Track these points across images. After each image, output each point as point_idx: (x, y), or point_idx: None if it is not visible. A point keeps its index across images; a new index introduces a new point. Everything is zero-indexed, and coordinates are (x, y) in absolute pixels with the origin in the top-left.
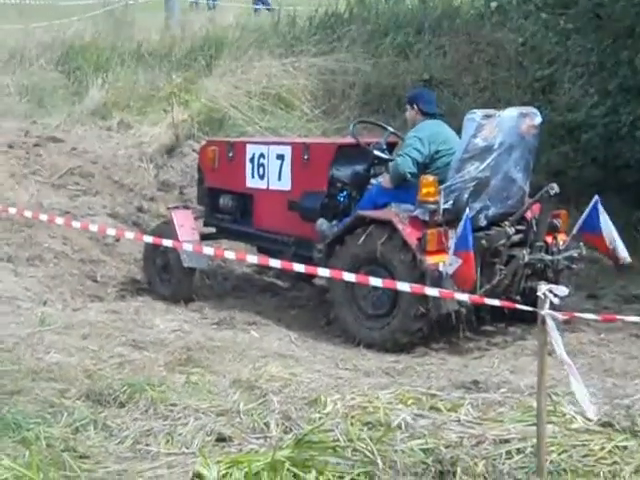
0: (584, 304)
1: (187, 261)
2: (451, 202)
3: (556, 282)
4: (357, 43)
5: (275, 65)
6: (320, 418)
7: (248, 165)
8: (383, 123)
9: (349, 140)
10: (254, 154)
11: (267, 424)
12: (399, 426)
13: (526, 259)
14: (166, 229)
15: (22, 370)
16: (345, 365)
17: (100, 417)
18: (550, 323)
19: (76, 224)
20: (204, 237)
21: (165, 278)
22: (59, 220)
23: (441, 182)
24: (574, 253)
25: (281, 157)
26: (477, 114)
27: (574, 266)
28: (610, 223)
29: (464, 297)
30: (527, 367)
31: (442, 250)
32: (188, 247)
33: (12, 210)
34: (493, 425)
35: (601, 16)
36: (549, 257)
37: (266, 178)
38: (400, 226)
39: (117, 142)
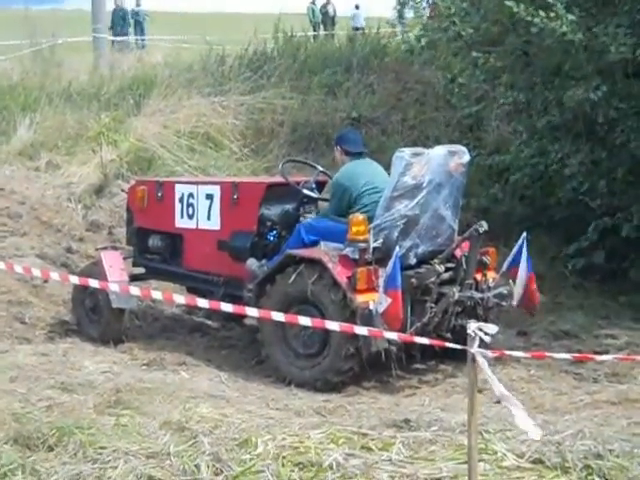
0: (514, 341)
1: (116, 302)
2: (381, 240)
3: (486, 319)
4: (285, 81)
5: (204, 104)
6: (251, 459)
7: (177, 205)
8: (312, 162)
9: (278, 179)
10: (183, 194)
11: (197, 466)
12: (330, 466)
13: (456, 296)
14: (95, 270)
15: None
16: (276, 405)
17: (28, 461)
18: (481, 360)
19: (1, 265)
20: (133, 278)
21: (94, 319)
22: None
23: (370, 220)
24: (503, 290)
25: (210, 197)
26: (406, 152)
27: (503, 303)
28: (526, 264)
29: (393, 336)
30: (458, 405)
31: (372, 289)
32: (116, 288)
33: None
34: (425, 464)
35: (529, 54)
36: (479, 295)
37: (195, 218)
38: (330, 265)
39: (45, 182)
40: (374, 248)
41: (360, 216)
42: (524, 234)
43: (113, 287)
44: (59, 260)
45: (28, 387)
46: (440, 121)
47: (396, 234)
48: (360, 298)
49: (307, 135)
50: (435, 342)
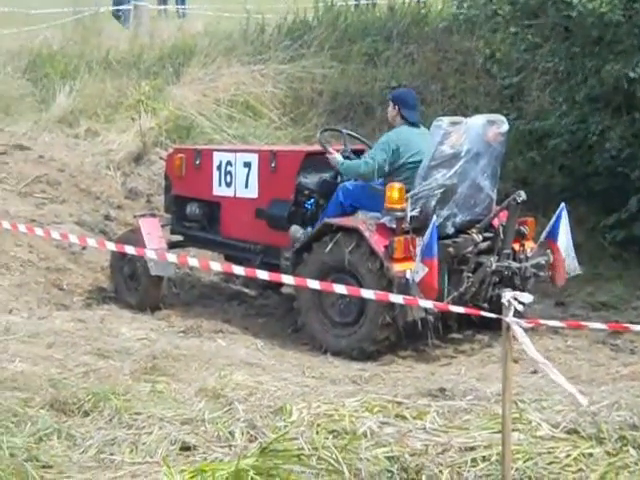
0: (552, 312)
1: (154, 269)
2: (418, 210)
3: (523, 289)
4: (325, 50)
5: (243, 72)
6: (285, 427)
7: (215, 173)
8: (350, 131)
9: (316, 148)
10: (221, 162)
11: (232, 433)
12: (364, 434)
13: (493, 267)
14: (133, 237)
15: None
16: (312, 373)
17: (64, 426)
18: (516, 329)
19: (39, 231)
20: (171, 245)
21: (132, 286)
22: (22, 228)
23: (409, 190)
24: (541, 260)
25: (248, 165)
26: (444, 121)
27: (541, 273)
28: (569, 234)
29: (429, 304)
30: (493, 374)
31: (409, 257)
32: (155, 255)
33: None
34: (459, 433)
35: (569, 27)
36: (516, 264)
37: (233, 186)
38: (367, 234)
39: (84, 150)
40: (411, 217)
41: (397, 185)
42: (562, 205)
43: (151, 255)
44: (97, 227)
45: (65, 353)
46: (480, 91)
47: (433, 203)
48: (397, 267)
49: (346, 104)
50: (471, 311)
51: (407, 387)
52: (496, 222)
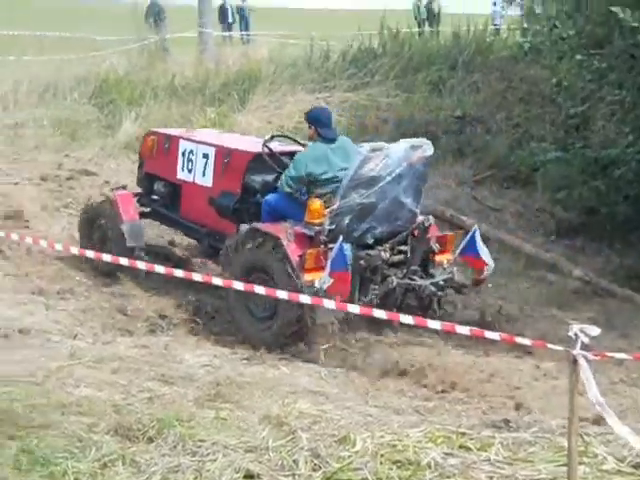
0: (616, 343)
1: (129, 241)
2: (335, 224)
3: (426, 304)
4: (390, 78)
5: (308, 100)
6: (349, 456)
7: (180, 158)
8: (294, 137)
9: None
10: (185, 149)
11: (296, 461)
12: (428, 465)
13: (395, 283)
14: (108, 209)
15: (51, 404)
16: (375, 402)
17: (128, 452)
18: (583, 364)
19: (107, 257)
20: (141, 215)
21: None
22: (89, 253)
23: (329, 205)
24: (441, 280)
25: (207, 156)
26: (364, 148)
27: (439, 293)
28: (484, 247)
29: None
30: (558, 406)
31: (319, 268)
32: (128, 227)
33: (43, 243)
34: (524, 465)
35: (635, 56)
36: (418, 282)
37: (193, 173)
38: (285, 242)
39: None
40: (329, 230)
41: (317, 201)
42: (475, 227)
43: (125, 227)
44: (162, 252)
45: (129, 379)
46: (545, 119)
47: (347, 220)
48: (307, 276)
49: (411, 132)
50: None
51: (471, 418)
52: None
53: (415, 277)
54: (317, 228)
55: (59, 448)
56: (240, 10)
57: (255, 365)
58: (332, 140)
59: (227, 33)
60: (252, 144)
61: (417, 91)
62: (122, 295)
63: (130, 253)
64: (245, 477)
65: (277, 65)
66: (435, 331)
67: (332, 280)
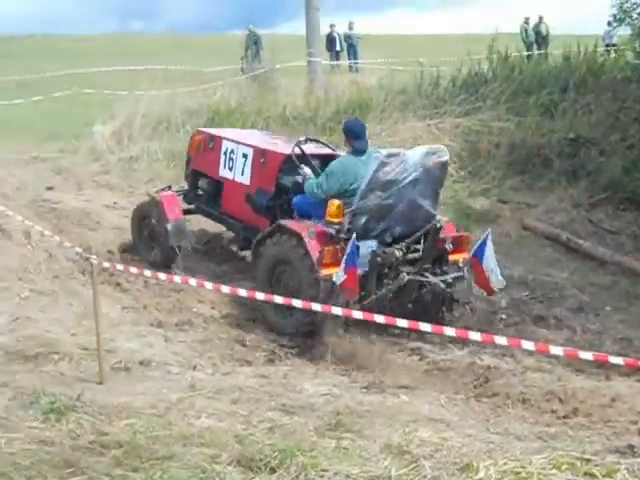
0: None
1: (172, 240)
2: (353, 224)
3: (443, 301)
4: (501, 102)
5: (420, 127)
6: None
7: (222, 157)
8: (327, 142)
9: (312, 150)
10: (227, 148)
11: None
12: None
13: (405, 279)
14: (155, 209)
15: (173, 435)
16: (496, 429)
17: None
18: None
19: (225, 289)
20: (186, 212)
21: (150, 245)
22: (208, 285)
23: (349, 205)
24: (449, 278)
25: (245, 156)
26: (381, 154)
27: (448, 289)
28: (493, 256)
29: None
30: None
31: (336, 263)
32: (172, 226)
33: (162, 276)
34: None
35: None
36: (428, 279)
37: (233, 171)
38: (307, 240)
39: None
40: (348, 229)
41: (336, 202)
42: (489, 230)
43: (171, 227)
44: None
45: (250, 409)
46: None
47: (365, 220)
48: (325, 271)
49: (524, 156)
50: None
51: (594, 444)
52: (445, 232)
53: (427, 274)
54: (337, 227)
55: (183, 479)
56: (348, 38)
57: (374, 394)
58: (362, 152)
59: (335, 62)
60: (287, 146)
61: (529, 114)
62: (240, 326)
63: (173, 252)
64: None
65: (387, 92)
66: (555, 357)
67: (346, 276)
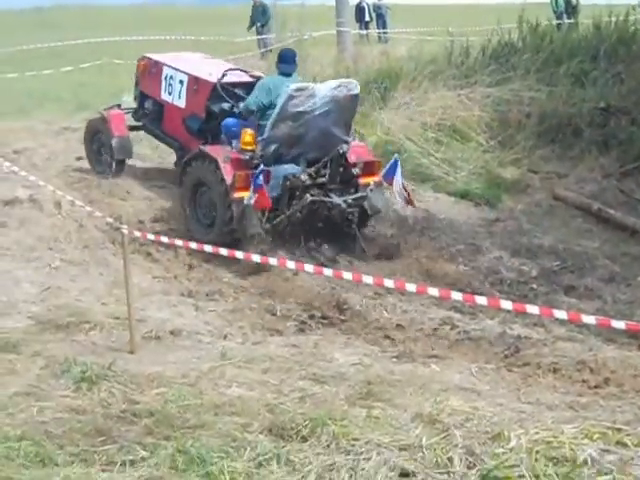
0: None
1: (117, 154)
2: (265, 151)
3: (345, 219)
4: (531, 72)
5: (450, 96)
6: (504, 453)
7: (163, 82)
8: (246, 69)
9: (239, 78)
10: (167, 74)
11: (450, 459)
12: (585, 462)
13: (309, 199)
14: (102, 125)
15: (205, 404)
16: (527, 399)
17: (282, 451)
18: None
19: (256, 258)
20: (131, 128)
21: (99, 158)
22: (239, 254)
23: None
24: (350, 198)
25: (182, 82)
26: (291, 87)
27: (349, 209)
28: (400, 179)
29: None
30: None
31: (247, 187)
32: (117, 141)
33: (192, 245)
34: None
35: None
36: (330, 200)
37: (172, 95)
38: (222, 165)
39: None
40: (261, 155)
41: (250, 131)
42: (396, 156)
43: (116, 140)
44: (307, 254)
45: (280, 378)
46: None
47: (275, 147)
48: (236, 194)
49: (554, 126)
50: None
51: (626, 413)
52: (356, 158)
53: (331, 195)
54: (250, 154)
55: (214, 448)
56: (377, 8)
57: (405, 363)
58: (289, 75)
59: (364, 31)
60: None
61: (559, 84)
62: (270, 295)
63: (121, 165)
64: (400, 475)
65: (417, 62)
66: (586, 326)
67: (256, 195)
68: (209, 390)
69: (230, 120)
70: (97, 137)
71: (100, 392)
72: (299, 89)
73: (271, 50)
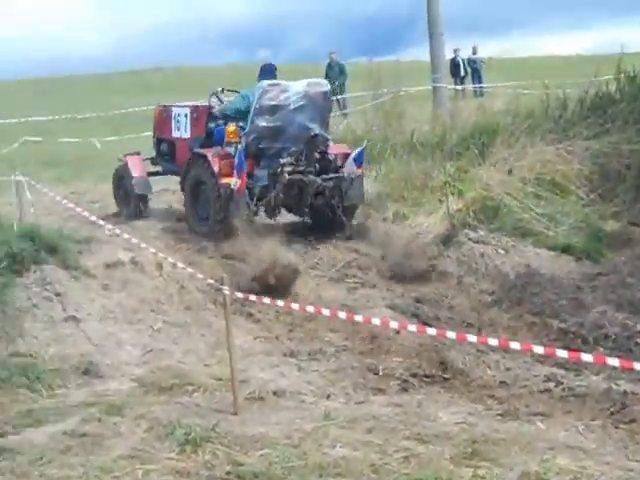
0: None
1: (137, 189)
2: (249, 144)
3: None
4: (630, 123)
5: (548, 150)
6: None
7: (173, 121)
8: (235, 89)
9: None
10: (175, 114)
11: None
12: None
13: (286, 179)
14: (124, 169)
15: (309, 465)
16: (635, 456)
17: None
18: None
19: (358, 318)
20: (150, 174)
21: (125, 201)
22: (342, 314)
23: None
24: (324, 176)
25: (186, 116)
26: (264, 84)
27: (324, 184)
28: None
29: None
30: None
31: (231, 174)
32: (137, 181)
33: (295, 306)
34: None
35: None
36: (308, 178)
37: (180, 130)
38: (211, 159)
39: (393, 233)
40: (245, 146)
41: (233, 125)
42: (365, 143)
43: (135, 179)
44: (409, 310)
45: (384, 438)
46: None
47: (257, 139)
48: (223, 180)
49: None
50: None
51: None
52: (336, 152)
53: (309, 175)
54: (234, 147)
55: None
56: (472, 62)
57: (510, 421)
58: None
59: (460, 86)
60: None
61: None
62: (372, 354)
63: (143, 200)
64: None
65: (514, 116)
66: None
67: (239, 180)
68: (313, 451)
69: (220, 128)
70: (122, 182)
71: (204, 454)
72: (272, 84)
73: (347, 113)
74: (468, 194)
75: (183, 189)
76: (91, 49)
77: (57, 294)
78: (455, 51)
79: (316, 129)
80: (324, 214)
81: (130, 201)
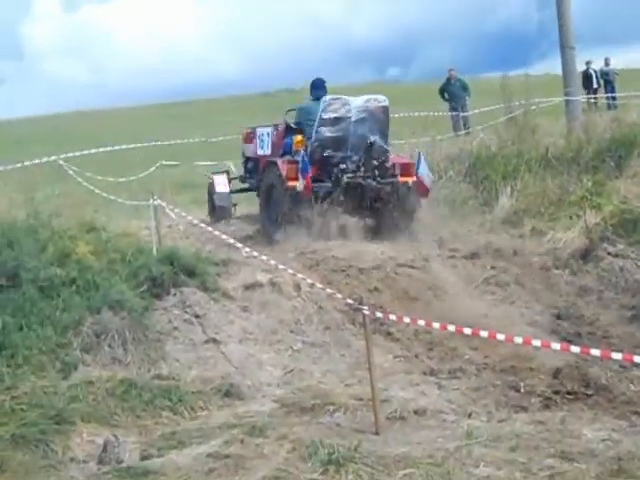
0: None
1: (218, 202)
2: (315, 152)
3: (377, 197)
4: None
5: None
6: None
7: (257, 140)
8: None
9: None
10: (260, 133)
11: None
12: None
13: (345, 180)
14: (211, 186)
15: None
16: None
17: None
18: None
19: (500, 337)
20: (239, 190)
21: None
22: (483, 333)
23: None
24: (380, 179)
25: (268, 134)
26: (326, 98)
27: (379, 186)
28: (425, 166)
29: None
30: None
31: (297, 177)
32: (218, 195)
33: (435, 325)
34: None
35: None
36: (367, 182)
37: (263, 148)
38: (280, 165)
39: (530, 250)
40: (310, 153)
41: (299, 137)
42: (419, 151)
43: (218, 193)
44: (549, 327)
45: (528, 456)
46: None
47: (321, 148)
48: (290, 183)
49: None
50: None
51: None
52: (395, 161)
53: (367, 180)
54: (301, 153)
55: None
56: (604, 74)
57: None
58: (318, 99)
59: (593, 99)
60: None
61: None
62: (513, 371)
63: (224, 211)
64: None
65: None
66: None
67: (304, 181)
68: (457, 470)
69: (289, 140)
70: (210, 197)
71: (348, 474)
72: (334, 98)
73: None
74: (606, 208)
75: (259, 195)
76: (224, 73)
77: (197, 316)
78: (587, 63)
79: (379, 141)
80: (384, 216)
81: (215, 213)
